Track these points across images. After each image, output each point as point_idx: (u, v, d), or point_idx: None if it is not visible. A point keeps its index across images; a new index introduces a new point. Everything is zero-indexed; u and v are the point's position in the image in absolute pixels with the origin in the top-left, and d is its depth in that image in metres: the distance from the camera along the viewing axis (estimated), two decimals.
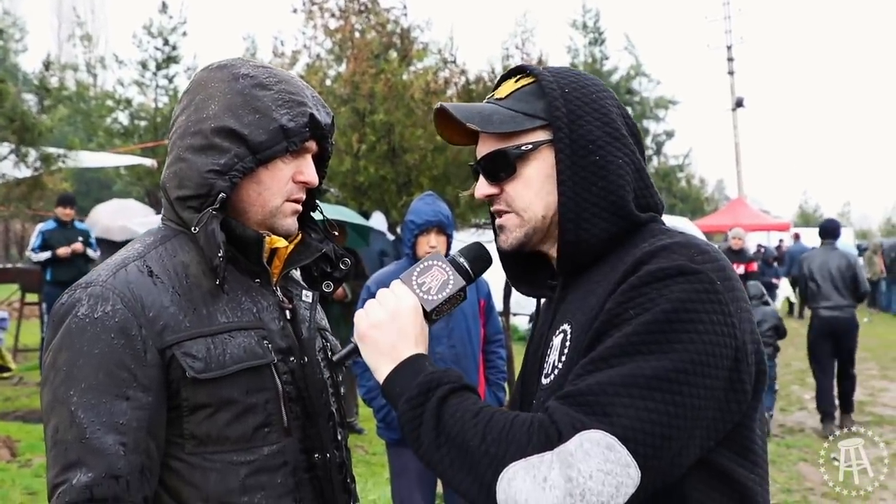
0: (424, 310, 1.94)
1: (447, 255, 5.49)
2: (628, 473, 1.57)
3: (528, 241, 2.00)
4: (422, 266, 1.98)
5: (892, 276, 27.10)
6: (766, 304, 11.12)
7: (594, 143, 1.88)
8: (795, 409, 12.76)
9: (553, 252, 2.00)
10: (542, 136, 1.93)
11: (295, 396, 2.14)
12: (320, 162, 2.28)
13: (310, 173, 2.17)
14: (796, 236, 31.26)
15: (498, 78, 2.10)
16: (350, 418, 9.90)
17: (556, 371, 1.85)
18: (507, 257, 2.13)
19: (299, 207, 2.20)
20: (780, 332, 10.85)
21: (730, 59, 40.49)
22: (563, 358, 1.83)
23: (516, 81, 2.02)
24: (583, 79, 1.98)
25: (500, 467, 1.63)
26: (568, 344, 1.83)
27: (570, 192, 1.87)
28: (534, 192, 1.94)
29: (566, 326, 1.87)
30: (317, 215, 2.34)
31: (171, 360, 1.98)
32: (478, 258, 2.04)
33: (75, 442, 1.88)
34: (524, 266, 2.16)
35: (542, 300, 2.17)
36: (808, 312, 12.25)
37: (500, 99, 2.00)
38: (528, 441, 1.63)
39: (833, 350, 11.44)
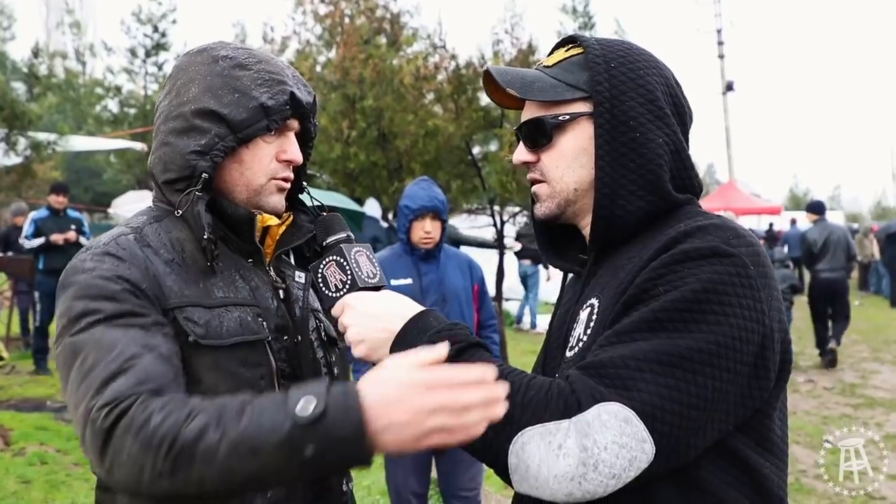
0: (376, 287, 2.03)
1: (441, 239, 5.51)
2: (643, 448, 1.57)
3: (560, 213, 2.00)
4: (326, 273, 2.06)
5: (884, 258, 27.12)
6: (787, 267, 14.44)
7: (635, 120, 1.87)
8: (788, 392, 12.80)
9: (587, 226, 1.99)
10: (581, 107, 1.93)
11: (288, 374, 2.14)
12: (304, 142, 2.28)
13: (293, 151, 2.17)
14: (793, 221, 31.50)
15: (551, 49, 2.10)
16: None
17: (580, 343, 1.84)
18: (540, 227, 2.13)
19: (285, 186, 2.19)
20: (795, 289, 14.18)
21: (720, 43, 40.36)
22: (589, 331, 1.83)
23: (567, 51, 2.01)
24: (633, 53, 1.96)
25: (515, 431, 1.64)
26: (595, 317, 1.83)
27: (608, 167, 1.86)
28: (566, 164, 1.94)
29: (594, 300, 1.87)
30: (305, 198, 2.34)
31: (173, 321, 1.98)
32: (328, 228, 2.16)
33: (102, 363, 1.81)
34: (556, 237, 2.15)
35: (569, 276, 2.17)
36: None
37: (548, 67, 2.00)
38: (545, 407, 1.63)
39: (829, 304, 14.72)
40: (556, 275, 17.76)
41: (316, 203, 2.33)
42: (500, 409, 1.55)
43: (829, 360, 14.74)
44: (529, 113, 1.99)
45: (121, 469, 1.67)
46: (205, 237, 2.01)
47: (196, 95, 2.08)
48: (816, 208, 15.52)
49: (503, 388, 1.55)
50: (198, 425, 1.63)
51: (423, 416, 1.54)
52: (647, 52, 2.02)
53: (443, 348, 1.58)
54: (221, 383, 2.00)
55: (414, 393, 1.56)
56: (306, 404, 1.57)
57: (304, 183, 2.32)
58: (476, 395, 1.55)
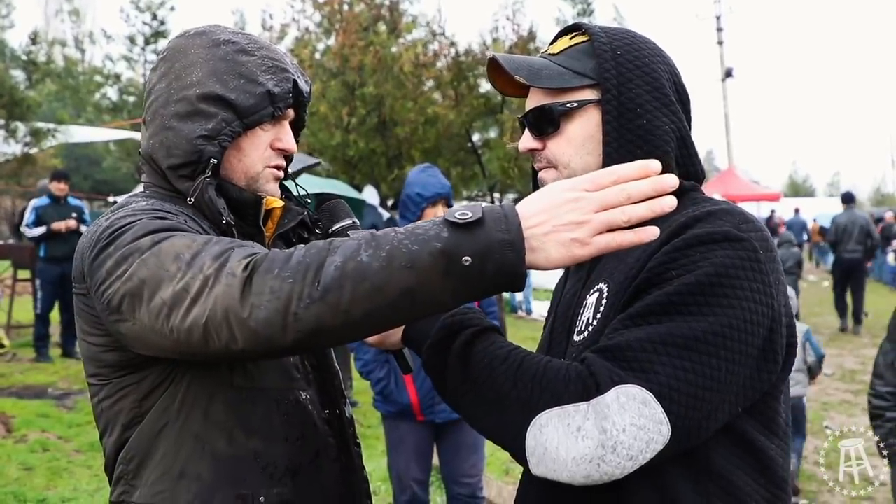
0: None
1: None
2: (660, 430, 1.59)
3: None
4: None
5: (886, 243, 27.15)
6: (793, 246, 16.68)
7: (642, 108, 1.89)
8: None
9: None
10: (589, 95, 1.93)
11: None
12: (295, 130, 2.28)
13: (288, 140, 2.17)
14: (797, 210, 31.84)
15: (554, 35, 2.10)
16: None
17: (590, 328, 1.85)
18: None
19: (280, 174, 2.20)
20: (800, 266, 16.77)
21: (719, 30, 40.26)
22: (599, 315, 1.84)
23: (571, 38, 2.02)
24: (637, 41, 1.97)
25: (533, 413, 1.65)
26: (604, 302, 1.84)
27: (615, 153, 1.87)
28: (574, 150, 1.94)
29: (602, 285, 1.88)
30: (289, 184, 2.34)
31: None
32: (334, 215, 2.20)
33: (209, 244, 1.73)
34: None
35: None
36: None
37: (553, 55, 2.00)
38: (564, 389, 1.64)
39: (848, 280, 17.89)
40: None
41: (301, 190, 2.35)
42: (669, 200, 1.54)
43: (855, 326, 17.90)
44: (535, 100, 1.99)
45: (263, 310, 1.57)
46: (224, 221, 2.02)
47: (200, 79, 2.05)
48: (847, 198, 18.94)
49: (672, 178, 1.55)
50: (347, 249, 1.56)
51: (587, 214, 1.53)
52: (650, 39, 2.03)
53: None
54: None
55: (574, 194, 1.54)
56: (462, 214, 1.52)
57: (289, 169, 2.31)
58: (641, 185, 1.53)
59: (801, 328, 7.81)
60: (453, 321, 1.85)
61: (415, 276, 1.51)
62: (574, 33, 2.03)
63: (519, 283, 1.54)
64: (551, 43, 2.07)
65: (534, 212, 1.54)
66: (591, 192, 1.54)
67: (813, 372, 7.76)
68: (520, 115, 2.05)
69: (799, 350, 7.28)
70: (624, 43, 1.95)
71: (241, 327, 1.60)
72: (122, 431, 2.01)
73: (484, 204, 1.57)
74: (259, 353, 1.67)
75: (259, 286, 1.58)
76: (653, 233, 1.55)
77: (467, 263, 1.50)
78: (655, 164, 1.55)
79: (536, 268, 1.56)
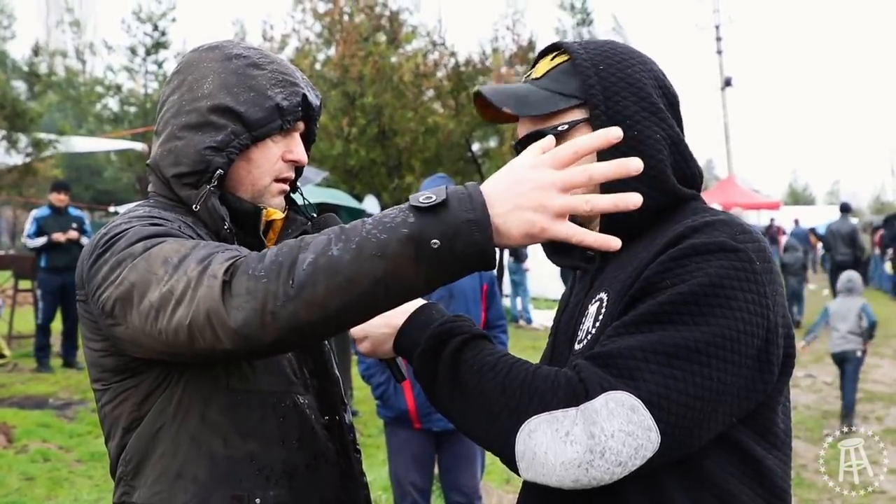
0: None
1: None
2: (649, 437, 1.59)
3: (570, 218, 2.00)
4: None
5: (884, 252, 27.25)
6: (797, 251, 19.70)
7: (631, 119, 1.88)
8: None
9: (595, 227, 1.97)
10: (578, 115, 1.92)
11: (302, 355, 2.19)
12: (305, 143, 2.30)
13: (299, 152, 2.20)
14: (797, 221, 32.13)
15: (535, 56, 2.09)
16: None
17: (588, 336, 1.86)
18: None
19: (286, 188, 2.22)
20: (805, 269, 18.81)
21: (718, 39, 40.33)
22: (597, 324, 1.85)
23: (552, 59, 2.01)
24: (618, 53, 1.97)
25: (522, 419, 1.66)
26: (603, 310, 1.85)
27: None
28: None
29: (603, 295, 1.88)
30: (296, 197, 2.36)
31: None
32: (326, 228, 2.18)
33: (196, 248, 1.77)
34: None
35: (577, 272, 2.17)
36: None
37: (537, 79, 2.00)
38: (553, 395, 1.65)
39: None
40: (535, 266, 17.77)
41: (307, 202, 2.36)
42: (634, 198, 1.56)
43: None
44: (526, 128, 1.99)
45: (241, 310, 1.61)
46: (225, 227, 2.05)
47: (211, 91, 2.08)
48: (844, 208, 21.57)
49: (636, 162, 1.56)
50: (318, 244, 1.59)
51: (549, 193, 1.55)
52: (630, 47, 2.03)
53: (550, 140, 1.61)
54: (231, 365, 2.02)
55: (536, 173, 1.56)
56: (426, 198, 1.55)
57: (297, 183, 2.33)
58: (604, 167, 1.55)
59: (859, 301, 10.66)
60: (443, 329, 1.86)
61: (385, 265, 1.54)
62: (554, 53, 2.03)
63: (489, 262, 1.56)
64: (532, 66, 2.07)
65: (498, 190, 1.57)
66: (554, 169, 1.56)
67: (868, 334, 10.50)
68: (513, 143, 2.05)
69: (854, 318, 10.41)
70: (605, 57, 1.95)
71: (222, 328, 1.64)
72: (123, 434, 2.04)
73: (450, 187, 1.60)
74: (244, 353, 1.70)
75: (237, 288, 1.62)
76: (614, 242, 1.57)
77: (436, 246, 1.53)
78: (615, 132, 1.57)
79: (499, 246, 1.58)
